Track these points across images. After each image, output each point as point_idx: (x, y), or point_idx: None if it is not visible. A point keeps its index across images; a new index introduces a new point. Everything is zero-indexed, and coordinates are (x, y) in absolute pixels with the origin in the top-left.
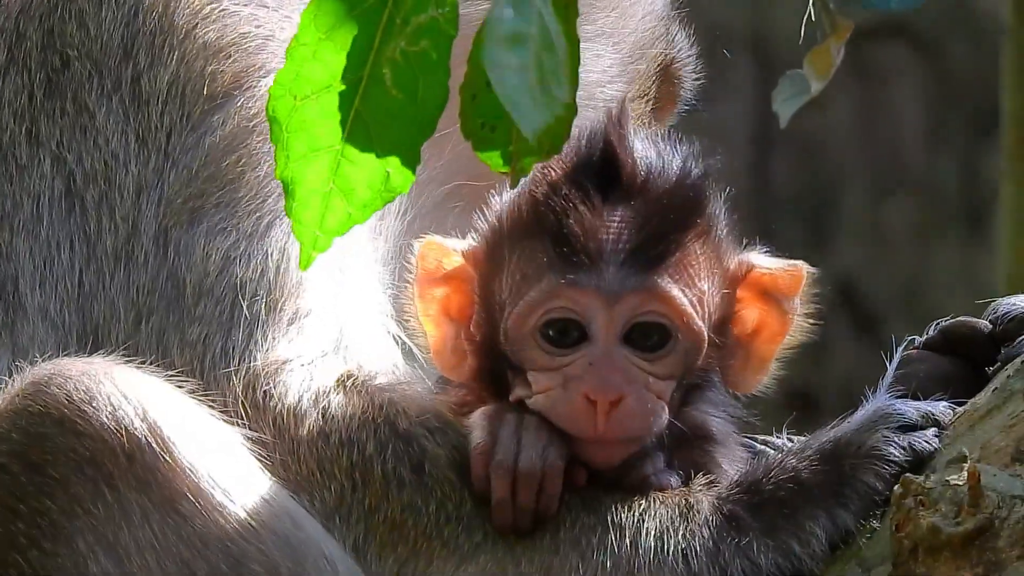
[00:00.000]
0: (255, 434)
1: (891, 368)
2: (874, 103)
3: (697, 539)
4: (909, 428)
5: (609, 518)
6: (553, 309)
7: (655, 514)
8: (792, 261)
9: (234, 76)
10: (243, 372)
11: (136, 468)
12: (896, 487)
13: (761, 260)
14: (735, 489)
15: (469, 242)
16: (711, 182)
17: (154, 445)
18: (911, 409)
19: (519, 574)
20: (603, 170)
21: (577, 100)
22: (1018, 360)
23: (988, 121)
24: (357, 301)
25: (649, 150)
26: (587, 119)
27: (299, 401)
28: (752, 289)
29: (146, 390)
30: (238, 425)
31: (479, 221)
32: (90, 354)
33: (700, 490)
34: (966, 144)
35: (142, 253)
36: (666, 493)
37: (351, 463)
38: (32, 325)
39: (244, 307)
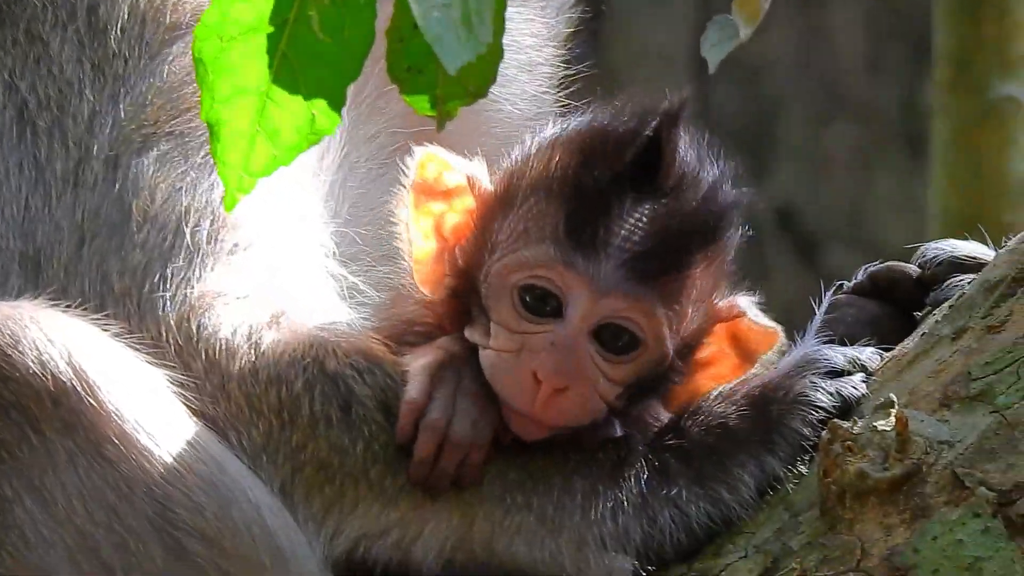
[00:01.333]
0: (184, 372)
1: (819, 313)
2: (814, 29)
3: (625, 494)
4: (836, 374)
5: (536, 475)
6: (541, 277)
7: (584, 472)
8: (771, 323)
9: (196, 7)
10: (179, 301)
11: (62, 412)
12: (824, 433)
13: (749, 310)
14: (665, 437)
15: (476, 166)
16: (738, 213)
17: (80, 389)
18: (838, 355)
19: (440, 522)
20: (641, 161)
21: (515, 66)
22: (945, 305)
23: (927, 48)
24: (297, 238)
25: (691, 158)
26: (521, 83)
27: (232, 335)
28: (727, 331)
29: (72, 334)
30: (168, 359)
31: (507, 153)
32: (31, 279)
33: (631, 440)
34: (906, 70)
35: (92, 177)
36: (598, 445)
37: (279, 400)
38: None
39: (187, 236)
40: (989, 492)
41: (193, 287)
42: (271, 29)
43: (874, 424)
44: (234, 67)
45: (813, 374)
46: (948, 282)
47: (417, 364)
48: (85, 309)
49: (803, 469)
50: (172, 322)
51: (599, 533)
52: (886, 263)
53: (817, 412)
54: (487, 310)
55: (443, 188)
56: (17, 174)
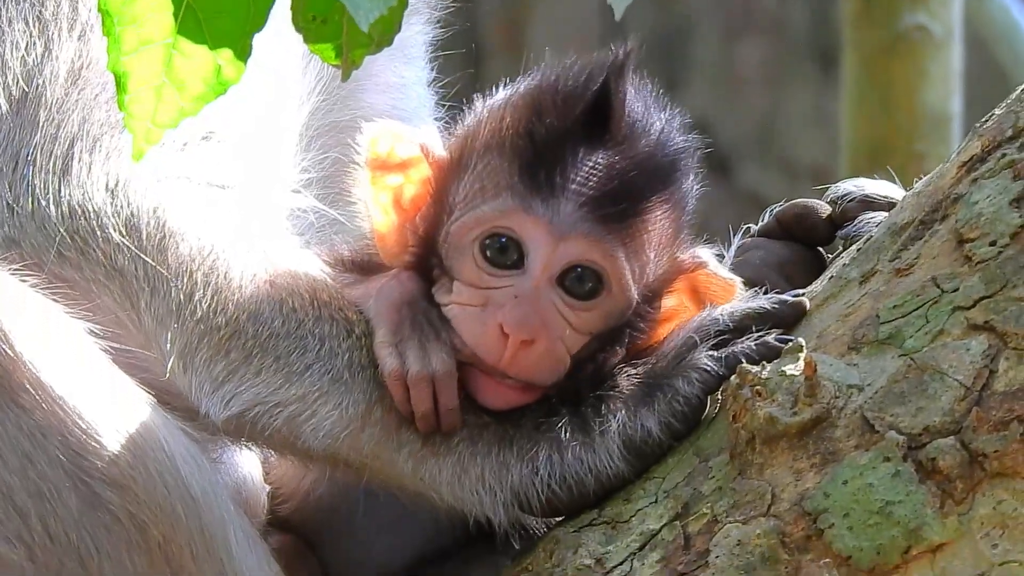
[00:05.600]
0: (104, 234)
1: (728, 257)
2: None
3: (512, 431)
4: (729, 335)
5: None
6: (500, 227)
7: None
8: (731, 275)
9: None
10: (135, 178)
11: None
12: (732, 377)
13: (711, 262)
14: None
15: (427, 135)
16: (691, 160)
17: None
18: (726, 317)
19: (338, 410)
20: (592, 111)
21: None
22: (853, 248)
23: None
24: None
25: (641, 107)
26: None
27: (184, 207)
28: (688, 283)
29: None
30: (127, 234)
31: (457, 119)
32: None
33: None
34: None
35: None
36: None
37: (211, 265)
38: None
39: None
40: (899, 436)
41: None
42: None
43: (783, 368)
44: (139, 18)
45: (702, 339)
46: (860, 219)
47: (379, 338)
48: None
49: (713, 413)
50: (119, 195)
51: (481, 464)
52: (791, 202)
53: (702, 374)
54: (450, 271)
55: (397, 161)
56: None
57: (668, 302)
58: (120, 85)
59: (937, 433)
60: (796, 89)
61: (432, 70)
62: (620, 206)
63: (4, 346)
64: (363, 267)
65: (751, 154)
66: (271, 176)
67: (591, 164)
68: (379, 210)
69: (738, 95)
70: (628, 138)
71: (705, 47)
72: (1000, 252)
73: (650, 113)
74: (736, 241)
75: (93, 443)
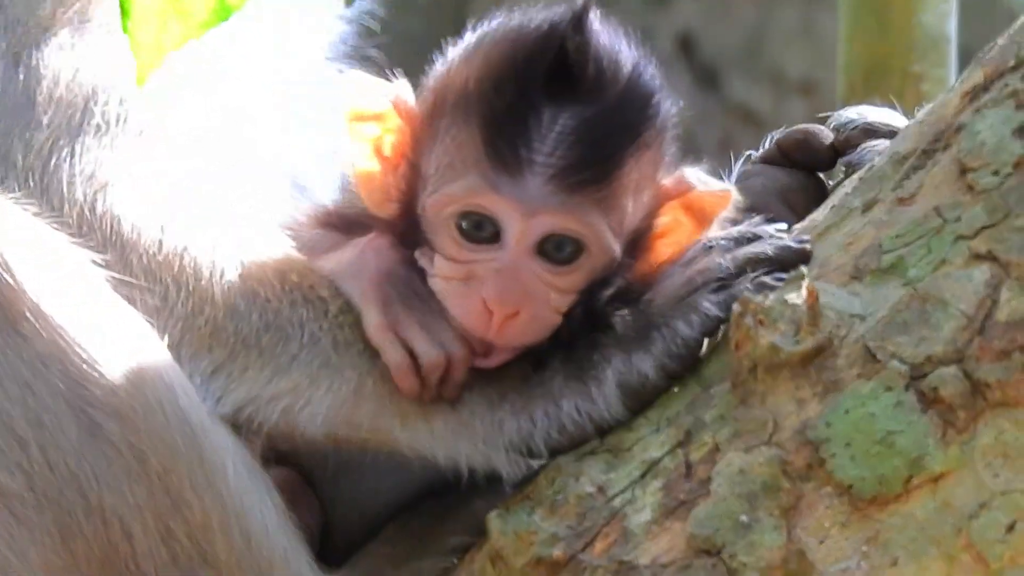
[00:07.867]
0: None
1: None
2: None
3: (506, 384)
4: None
5: None
6: (472, 204)
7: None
8: (723, 184)
9: None
10: (86, 175)
11: None
12: (735, 306)
13: (699, 181)
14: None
15: (400, 88)
16: (664, 95)
17: None
18: (729, 260)
19: (331, 394)
20: (554, 71)
21: None
22: (855, 177)
23: None
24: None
25: (604, 58)
26: None
27: (139, 211)
28: (679, 202)
29: None
30: (81, 236)
31: (428, 74)
32: None
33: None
34: None
35: None
36: None
37: (179, 269)
38: None
39: (96, 114)
40: (901, 365)
41: (102, 163)
42: None
43: (785, 297)
44: None
45: (703, 281)
46: (863, 146)
47: (375, 327)
48: None
49: (715, 340)
50: (77, 195)
51: (477, 426)
52: (793, 128)
53: (702, 317)
54: (430, 242)
55: (372, 113)
56: None
57: (662, 220)
58: (124, 10)
59: (939, 363)
60: (785, 1)
61: None
62: (590, 171)
63: (5, 274)
64: (346, 223)
65: (738, 66)
66: (232, 139)
67: (558, 130)
68: (361, 160)
69: (726, 7)
70: (594, 92)
71: None
72: (1002, 182)
73: (614, 60)
74: (737, 168)
75: (94, 372)
